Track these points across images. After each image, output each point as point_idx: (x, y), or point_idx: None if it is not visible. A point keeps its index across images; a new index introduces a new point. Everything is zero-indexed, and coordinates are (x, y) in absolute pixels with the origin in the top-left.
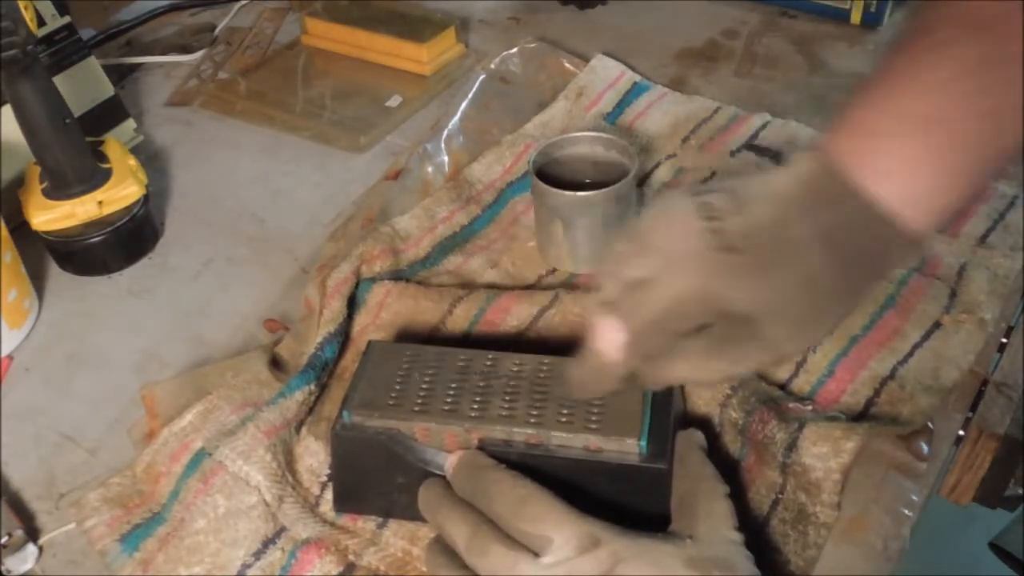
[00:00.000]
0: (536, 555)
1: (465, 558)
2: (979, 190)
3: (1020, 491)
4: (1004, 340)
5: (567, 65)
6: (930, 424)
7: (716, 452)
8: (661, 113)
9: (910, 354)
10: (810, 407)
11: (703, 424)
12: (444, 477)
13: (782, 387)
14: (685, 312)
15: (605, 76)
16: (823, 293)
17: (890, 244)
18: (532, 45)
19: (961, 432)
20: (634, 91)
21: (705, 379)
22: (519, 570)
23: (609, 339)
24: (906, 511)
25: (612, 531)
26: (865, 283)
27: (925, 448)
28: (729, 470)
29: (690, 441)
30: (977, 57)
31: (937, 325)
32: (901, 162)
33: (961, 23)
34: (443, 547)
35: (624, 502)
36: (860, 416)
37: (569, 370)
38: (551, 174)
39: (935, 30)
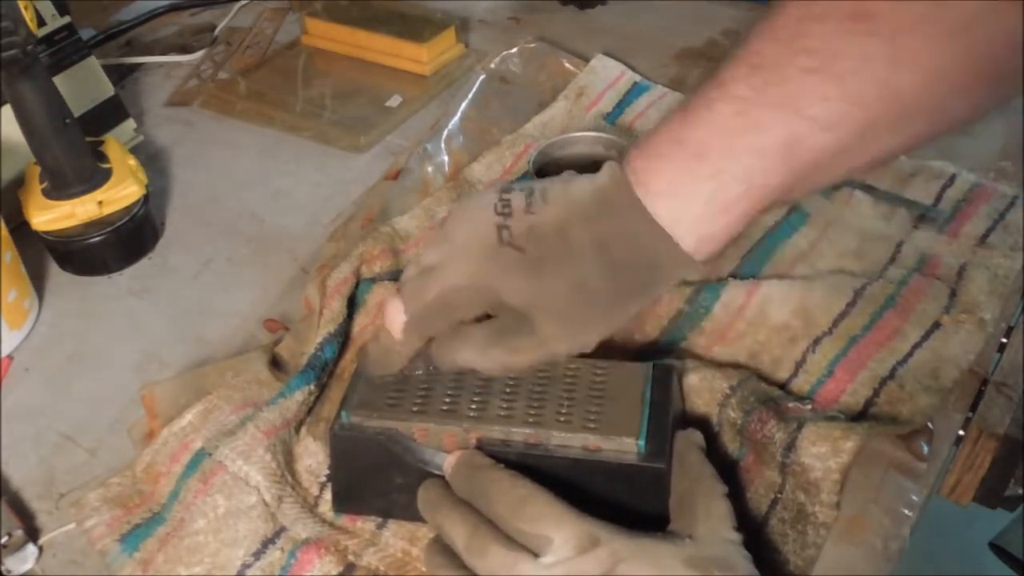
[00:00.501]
0: (536, 555)
1: (465, 558)
2: (746, 223)
3: (1020, 491)
4: (1004, 340)
5: (567, 65)
6: (930, 424)
7: (715, 452)
8: (661, 113)
9: (910, 354)
10: (809, 407)
11: (702, 424)
12: (443, 477)
13: (781, 387)
14: (460, 300)
15: (605, 76)
16: (593, 298)
17: (664, 259)
18: (532, 45)
19: (961, 432)
20: (634, 91)
21: (488, 366)
22: (519, 570)
23: (393, 319)
24: (906, 511)
25: (612, 531)
26: (638, 293)
27: (925, 448)
28: (728, 470)
29: (689, 441)
30: (747, 98)
31: (937, 325)
32: (673, 186)
33: (741, 63)
34: (442, 547)
35: (623, 502)
36: (859, 416)
37: (367, 347)
38: (551, 174)
39: (720, 69)
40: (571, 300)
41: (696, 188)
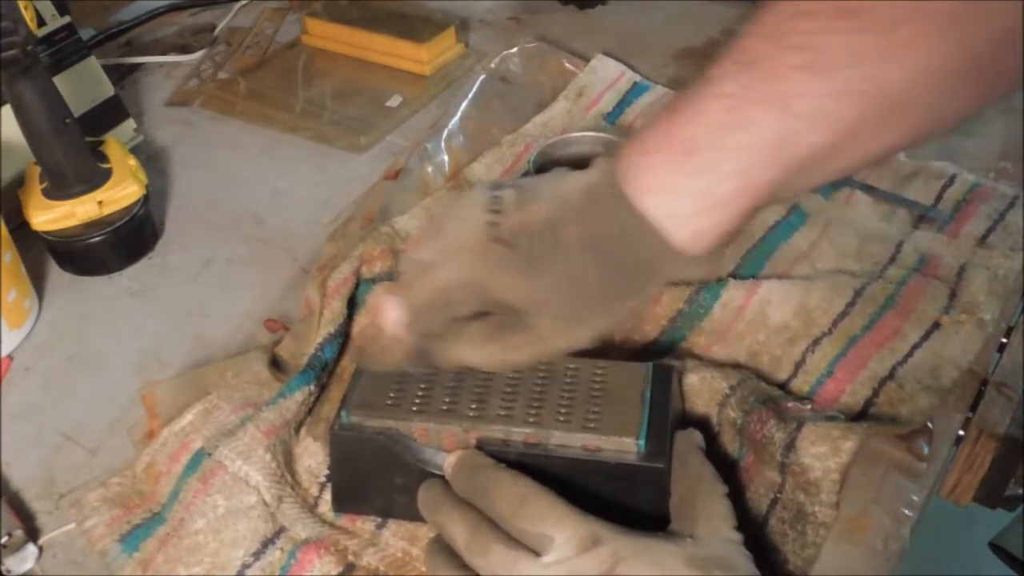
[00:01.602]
0: (537, 554)
1: (465, 558)
2: (746, 217)
3: (1020, 491)
4: (1004, 340)
5: (567, 65)
6: (930, 424)
7: (715, 452)
8: None
9: (909, 354)
10: (809, 407)
11: (702, 424)
12: (443, 477)
13: (781, 387)
14: (456, 297)
15: (605, 76)
16: (586, 295)
17: (657, 255)
18: (532, 45)
19: (961, 432)
20: (634, 91)
21: (485, 362)
22: (520, 569)
23: (389, 316)
24: (906, 511)
25: (613, 530)
26: (631, 289)
27: (925, 448)
28: (728, 470)
29: (689, 441)
30: (737, 94)
31: (936, 325)
32: (662, 181)
33: (729, 60)
34: (443, 547)
35: (622, 501)
36: (859, 416)
37: (361, 343)
38: None
39: (709, 66)
40: (564, 296)
41: (687, 184)
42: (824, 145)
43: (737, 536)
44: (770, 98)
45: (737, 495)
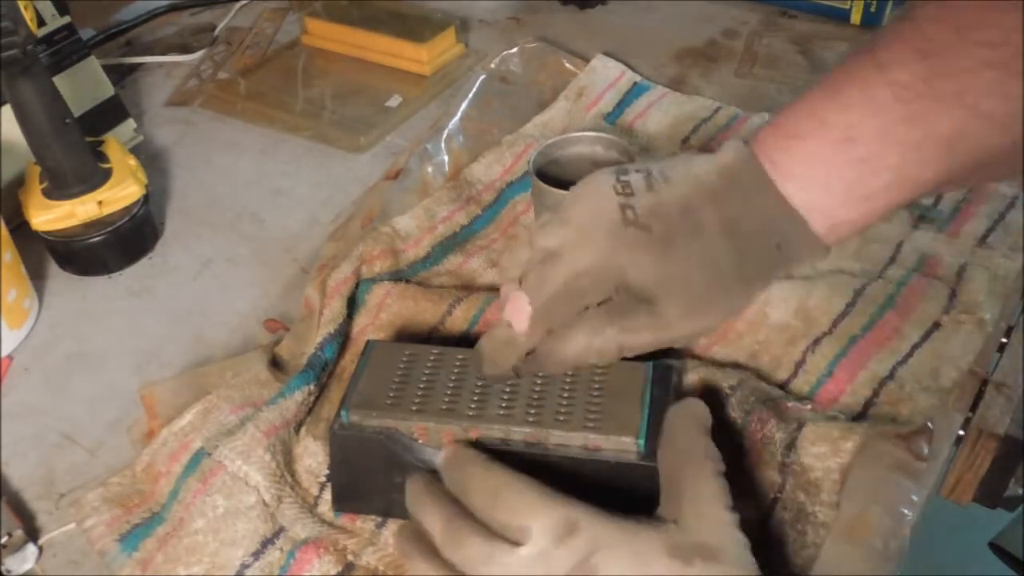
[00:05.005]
0: (516, 545)
1: (441, 551)
2: (888, 213)
3: (1020, 491)
4: (1004, 340)
5: (567, 65)
6: (930, 424)
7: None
8: (661, 113)
9: (909, 354)
10: (809, 407)
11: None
12: (431, 471)
13: (781, 387)
14: (588, 284)
15: (605, 76)
16: (719, 279)
17: (794, 242)
18: (532, 45)
19: (961, 432)
20: (634, 91)
21: (600, 347)
22: (494, 561)
23: (516, 311)
24: (906, 511)
25: (592, 515)
26: (765, 275)
27: (925, 448)
28: (729, 464)
29: (685, 414)
30: (912, 85)
31: (936, 325)
32: (811, 168)
33: (906, 46)
34: (417, 536)
35: (622, 500)
36: (859, 416)
37: (480, 344)
38: (551, 174)
39: (879, 48)
40: (698, 280)
41: (838, 172)
42: (1003, 148)
43: (730, 517)
44: (951, 94)
45: (736, 495)
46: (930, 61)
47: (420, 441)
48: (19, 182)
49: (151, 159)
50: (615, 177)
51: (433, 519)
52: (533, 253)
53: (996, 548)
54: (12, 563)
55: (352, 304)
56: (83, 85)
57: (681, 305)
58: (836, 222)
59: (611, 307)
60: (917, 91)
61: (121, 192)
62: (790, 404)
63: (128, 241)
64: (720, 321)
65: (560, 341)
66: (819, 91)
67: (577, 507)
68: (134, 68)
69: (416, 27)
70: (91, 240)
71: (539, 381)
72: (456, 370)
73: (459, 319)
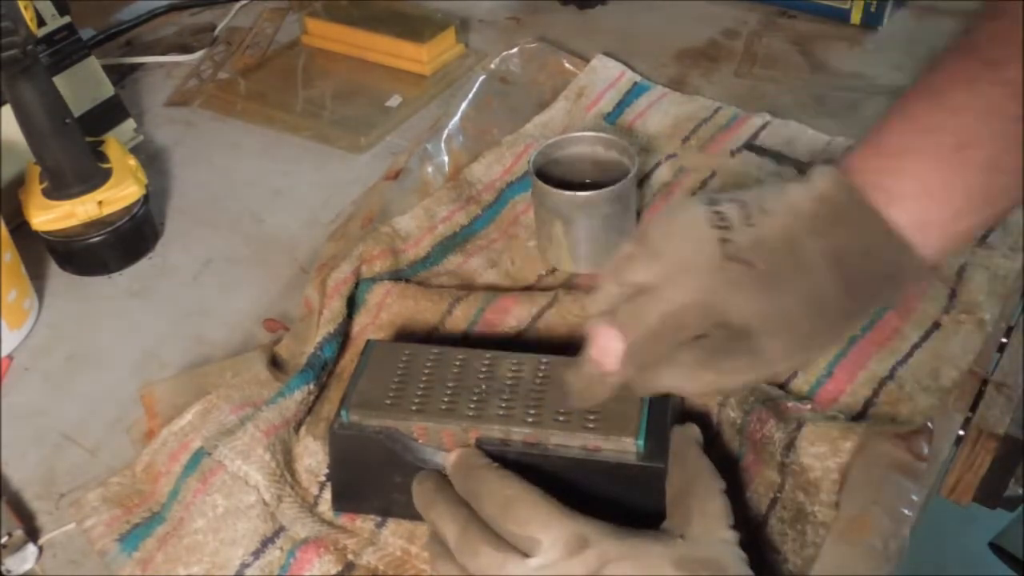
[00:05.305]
0: (526, 556)
1: (456, 557)
2: (1001, 219)
3: (1020, 491)
4: (1004, 340)
5: (567, 65)
6: (930, 424)
7: (715, 451)
8: (661, 113)
9: (909, 354)
10: (809, 407)
11: (702, 423)
12: (438, 471)
13: (781, 387)
14: (685, 322)
15: (605, 76)
16: (825, 313)
17: (902, 270)
18: (532, 45)
19: (961, 432)
20: (634, 91)
21: (694, 390)
22: (507, 571)
23: (606, 348)
24: (906, 511)
25: (601, 530)
26: (868, 307)
27: (925, 448)
28: (727, 469)
29: (686, 436)
30: None
31: (936, 325)
32: (924, 184)
33: (1014, 43)
34: (437, 539)
35: (622, 501)
36: (859, 416)
37: (566, 378)
38: (551, 174)
39: (983, 48)
40: (802, 316)
41: (956, 181)
42: None
43: (732, 536)
44: None
45: (737, 494)
46: None
47: (420, 441)
48: (19, 182)
49: (151, 159)
50: (707, 207)
51: (447, 525)
52: (622, 288)
53: (996, 548)
54: (12, 563)
55: (352, 304)
56: (83, 85)
57: (784, 343)
58: (947, 237)
59: (708, 345)
60: None
61: (121, 192)
62: (789, 404)
63: (128, 241)
64: (821, 355)
65: (653, 379)
66: (914, 102)
67: (587, 523)
68: (134, 68)
69: (416, 27)
70: (91, 240)
71: (539, 381)
72: (456, 370)
73: (459, 319)
